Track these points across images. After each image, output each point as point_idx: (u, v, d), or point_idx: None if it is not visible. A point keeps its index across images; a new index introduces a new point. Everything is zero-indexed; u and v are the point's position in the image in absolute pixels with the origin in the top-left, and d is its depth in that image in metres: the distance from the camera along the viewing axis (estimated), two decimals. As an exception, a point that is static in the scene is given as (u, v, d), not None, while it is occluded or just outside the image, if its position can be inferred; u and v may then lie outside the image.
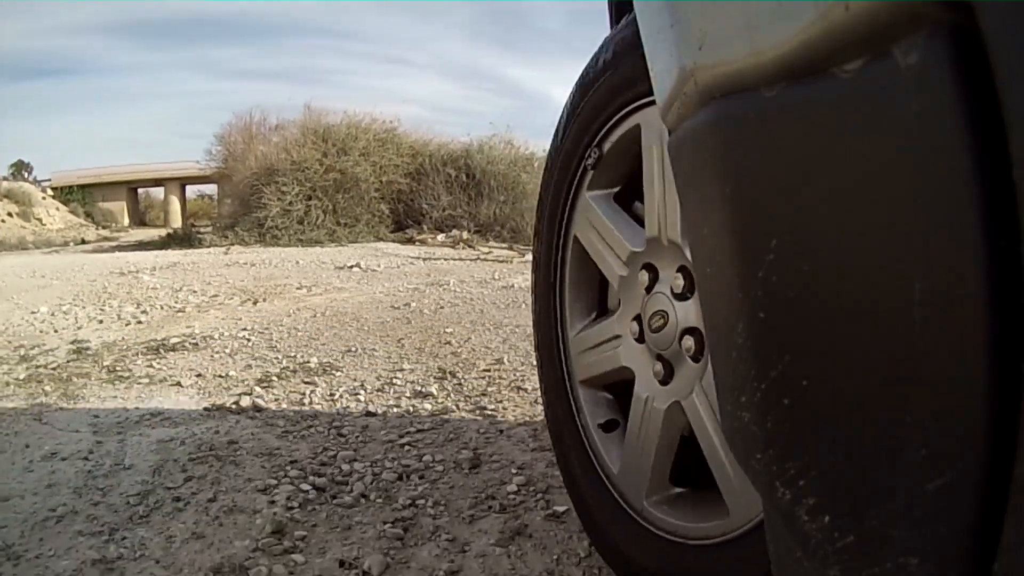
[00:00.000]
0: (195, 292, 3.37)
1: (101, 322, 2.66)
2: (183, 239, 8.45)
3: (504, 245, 6.85)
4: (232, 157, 10.39)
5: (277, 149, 8.38)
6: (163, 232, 11.82)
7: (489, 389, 1.53)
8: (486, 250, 6.19)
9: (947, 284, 0.19)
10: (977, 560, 0.19)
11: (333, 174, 7.87)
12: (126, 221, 21.16)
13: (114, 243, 10.90)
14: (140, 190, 24.38)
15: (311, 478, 1.05)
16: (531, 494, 0.97)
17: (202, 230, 9.89)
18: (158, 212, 24.20)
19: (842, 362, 0.23)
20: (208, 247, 6.97)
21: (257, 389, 1.60)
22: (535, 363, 0.86)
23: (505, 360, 1.77)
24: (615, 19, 0.74)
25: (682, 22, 0.29)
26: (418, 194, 8.23)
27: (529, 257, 5.19)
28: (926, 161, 0.19)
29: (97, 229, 15.67)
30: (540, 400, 0.94)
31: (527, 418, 1.32)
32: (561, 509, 0.91)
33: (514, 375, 1.64)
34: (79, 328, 2.56)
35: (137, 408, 1.50)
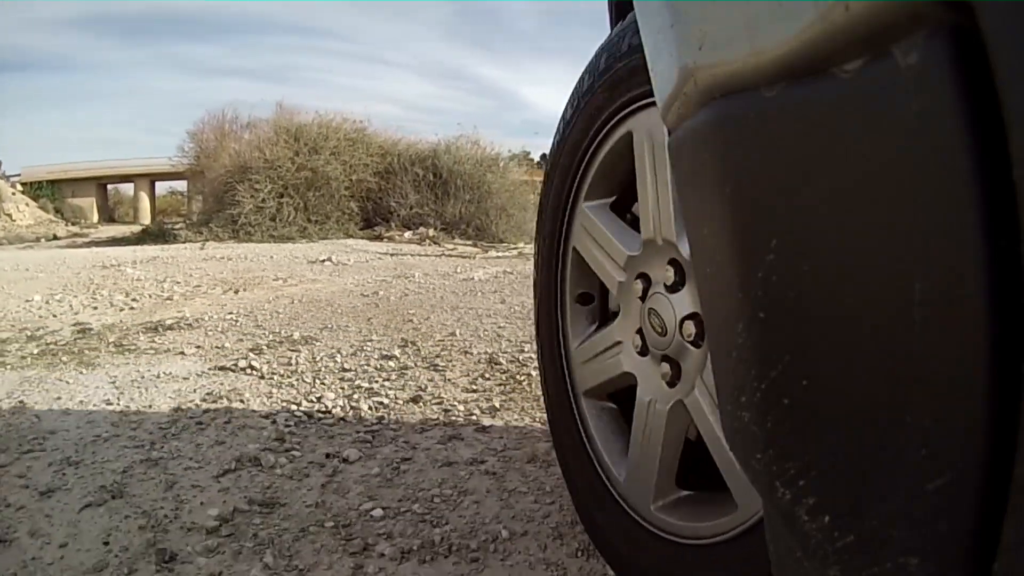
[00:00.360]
0: (179, 283, 3.56)
1: (96, 308, 2.87)
2: (157, 235, 8.47)
3: (468, 242, 7.14)
4: (204, 154, 10.58)
5: (250, 147, 8.50)
6: (134, 228, 11.69)
7: (442, 353, 1.86)
8: (451, 247, 6.55)
9: (947, 284, 0.19)
10: (977, 560, 0.19)
11: (305, 172, 8.05)
12: (95, 217, 20.54)
13: (86, 239, 10.94)
14: (110, 186, 23.70)
15: (302, 408, 1.39)
16: (466, 416, 1.34)
17: (175, 226, 9.86)
18: (127, 208, 23.61)
19: (842, 362, 0.23)
20: (183, 243, 7.11)
21: (251, 355, 1.89)
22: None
23: (457, 333, 2.12)
24: (615, 19, 0.74)
25: (682, 22, 0.29)
26: (386, 192, 8.45)
27: (493, 254, 5.64)
28: (926, 161, 0.19)
29: (67, 225, 15.21)
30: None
31: (469, 372, 1.69)
32: (487, 424, 1.29)
33: (463, 344, 1.97)
34: (76, 313, 2.79)
35: (149, 370, 1.79)
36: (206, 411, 1.36)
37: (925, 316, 0.20)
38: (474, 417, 1.32)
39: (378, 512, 0.92)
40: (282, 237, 7.37)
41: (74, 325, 2.43)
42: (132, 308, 2.83)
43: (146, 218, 19.56)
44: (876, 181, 0.21)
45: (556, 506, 0.94)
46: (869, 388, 0.22)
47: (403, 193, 8.27)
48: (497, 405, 1.39)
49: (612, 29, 0.72)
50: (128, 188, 23.78)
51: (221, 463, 1.08)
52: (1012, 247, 0.18)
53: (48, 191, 19.50)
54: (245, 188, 7.79)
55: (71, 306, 2.87)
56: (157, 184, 22.75)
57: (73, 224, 16.07)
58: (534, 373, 1.67)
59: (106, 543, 0.85)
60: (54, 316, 2.64)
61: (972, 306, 0.19)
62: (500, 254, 5.67)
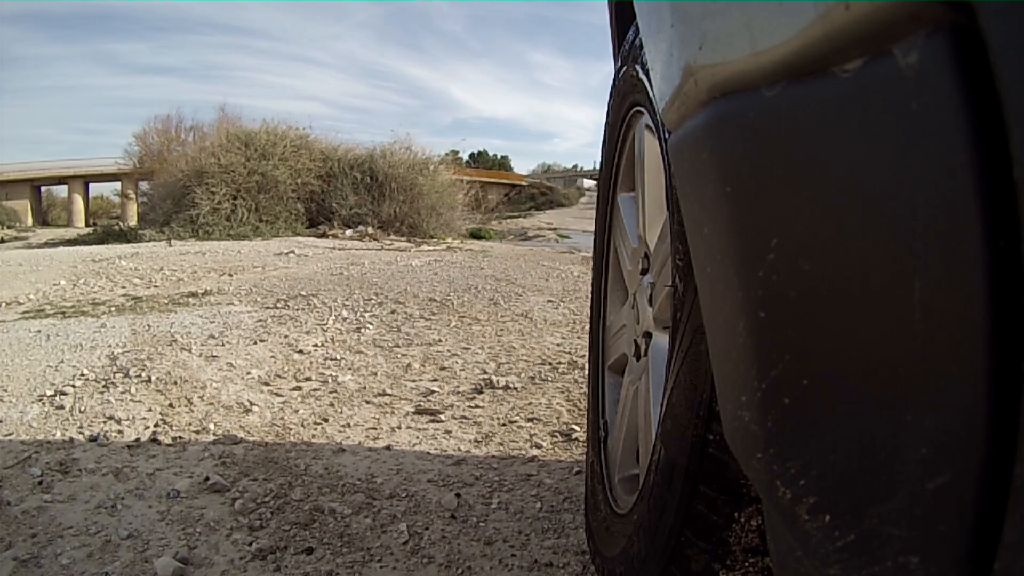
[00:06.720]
0: (175, 271, 4.12)
1: (124, 288, 3.39)
2: (120, 234, 9.08)
3: (403, 239, 8.14)
4: (149, 155, 11.50)
5: (205, 153, 9.21)
6: (72, 231, 12.05)
7: (400, 298, 3.18)
8: (388, 242, 7.48)
9: (947, 283, 0.19)
10: (977, 559, 0.19)
11: (256, 177, 8.81)
12: (30, 220, 20.08)
13: (35, 242, 11.18)
14: (42, 188, 23.11)
15: (341, 316, 2.66)
16: (419, 315, 2.73)
17: (129, 227, 10.63)
18: (60, 211, 23.27)
19: (842, 362, 0.23)
20: (149, 241, 7.66)
21: (280, 303, 2.93)
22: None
23: (408, 289, 3.43)
24: (616, 21, 0.74)
25: (682, 22, 0.29)
26: (328, 194, 9.25)
27: (425, 248, 7.09)
28: (926, 161, 0.19)
29: (3, 229, 15.07)
30: (433, 299, 3.22)
31: (419, 304, 2.98)
32: (431, 317, 2.71)
33: (412, 293, 3.31)
34: (111, 290, 3.32)
35: (219, 311, 2.68)
36: (279, 322, 2.39)
37: (925, 315, 0.20)
38: (423, 315, 2.72)
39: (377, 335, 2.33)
40: (238, 235, 7.99)
41: (123, 296, 3.02)
42: (156, 287, 3.40)
43: (80, 221, 19.34)
44: (876, 181, 0.21)
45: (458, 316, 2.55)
46: (869, 387, 0.22)
47: (343, 195, 9.10)
48: (435, 311, 2.81)
49: (612, 30, 0.72)
50: (60, 190, 22.98)
51: (315, 323, 2.43)
52: (1012, 247, 0.18)
53: (-22, 194, 18.83)
54: (202, 191, 8.46)
55: (100, 287, 3.37)
56: (91, 185, 22.09)
57: (9, 227, 15.81)
58: (455, 302, 2.99)
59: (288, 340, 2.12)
60: (94, 293, 3.14)
61: (972, 305, 0.18)
62: (431, 248, 6.70)
